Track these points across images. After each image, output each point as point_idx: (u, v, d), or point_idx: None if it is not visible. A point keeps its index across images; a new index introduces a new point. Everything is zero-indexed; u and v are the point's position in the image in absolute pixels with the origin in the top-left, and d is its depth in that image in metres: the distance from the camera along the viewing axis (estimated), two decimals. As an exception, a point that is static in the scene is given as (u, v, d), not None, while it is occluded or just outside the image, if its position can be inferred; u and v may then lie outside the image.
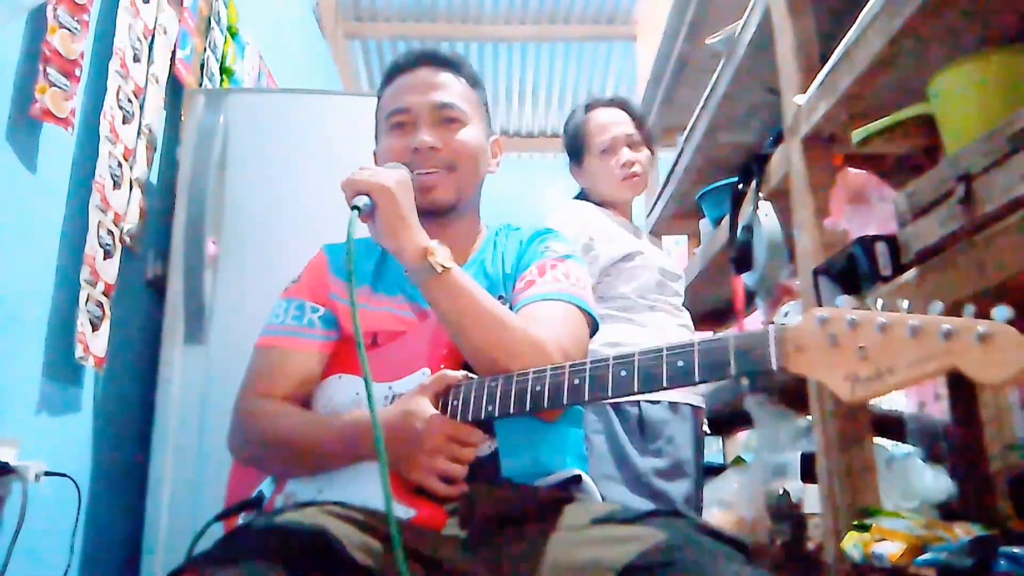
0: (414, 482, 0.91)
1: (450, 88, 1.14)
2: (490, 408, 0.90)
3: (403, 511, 0.89)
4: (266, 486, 1.05)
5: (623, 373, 0.84)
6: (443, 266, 0.94)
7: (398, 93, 1.14)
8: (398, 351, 1.04)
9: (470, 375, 0.96)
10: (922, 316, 0.70)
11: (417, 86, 1.13)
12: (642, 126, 1.92)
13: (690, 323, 1.93)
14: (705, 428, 1.89)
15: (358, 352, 0.84)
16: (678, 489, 1.67)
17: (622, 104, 1.94)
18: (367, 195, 0.95)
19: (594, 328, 1.08)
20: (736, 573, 0.73)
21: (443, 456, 0.90)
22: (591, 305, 1.07)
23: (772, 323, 1.94)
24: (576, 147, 1.94)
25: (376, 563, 0.83)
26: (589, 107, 1.95)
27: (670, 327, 1.82)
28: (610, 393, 0.84)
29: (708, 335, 2.50)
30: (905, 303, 0.72)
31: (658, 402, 1.73)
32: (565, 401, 0.86)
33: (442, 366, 0.98)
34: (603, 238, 1.80)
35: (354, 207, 0.94)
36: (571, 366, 0.88)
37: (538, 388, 0.88)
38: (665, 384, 0.81)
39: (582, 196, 1.97)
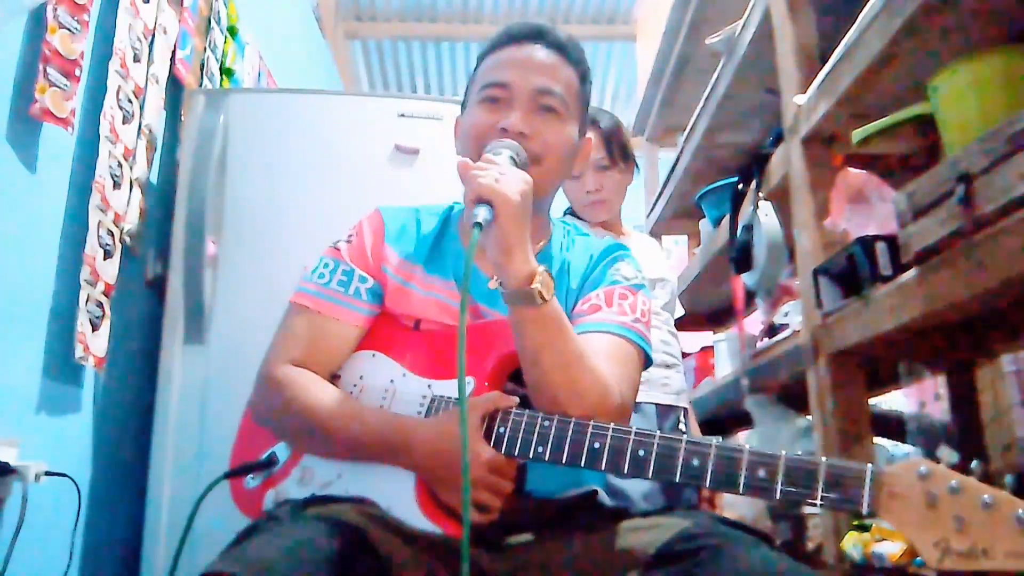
0: (448, 504, 0.89)
1: (557, 74, 1.04)
2: (540, 450, 0.86)
3: (430, 526, 0.88)
4: (280, 449, 1.01)
5: (695, 463, 0.79)
6: (543, 297, 0.87)
7: (500, 65, 1.04)
8: (443, 347, 0.99)
9: (517, 390, 0.92)
10: None
11: (523, 63, 1.03)
12: (613, 146, 1.90)
13: (669, 324, 1.96)
14: (682, 426, 1.89)
15: (458, 390, 0.78)
16: (635, 487, 1.68)
17: (592, 124, 1.90)
18: (489, 203, 0.86)
19: (647, 366, 1.03)
20: (763, 557, 0.73)
21: (484, 487, 0.87)
22: (650, 344, 1.03)
23: (772, 325, 1.94)
24: None
25: (411, 570, 0.83)
26: None
27: None
28: (677, 479, 0.79)
29: (712, 341, 2.51)
30: (1009, 478, 0.70)
31: None
32: (625, 471, 0.82)
33: (486, 383, 0.94)
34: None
35: (476, 224, 0.85)
36: (636, 434, 0.82)
37: (596, 446, 0.83)
38: (740, 491, 0.77)
39: (571, 210, 2.00)
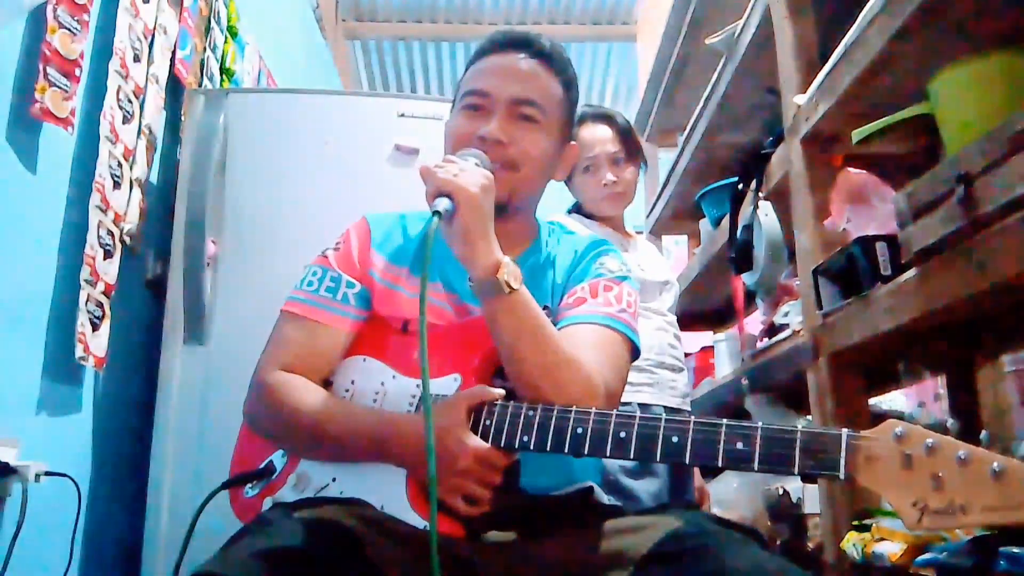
0: (438, 498, 0.89)
1: (537, 83, 1.06)
2: (525, 439, 0.87)
3: (422, 523, 0.88)
4: (277, 458, 1.02)
5: (675, 440, 0.80)
6: (511, 286, 0.89)
7: (482, 73, 1.07)
8: (430, 346, 1.00)
9: (505, 385, 0.93)
10: (1008, 460, 0.66)
11: (504, 72, 1.06)
12: (628, 140, 1.94)
13: (675, 327, 1.97)
14: None
15: (421, 374, 0.80)
16: (645, 487, 1.69)
17: (609, 119, 1.96)
18: (448, 196, 0.89)
19: (635, 356, 1.05)
20: (753, 556, 0.73)
21: (471, 479, 0.87)
22: (637, 334, 1.04)
23: (773, 325, 1.94)
24: None
25: (397, 569, 0.83)
26: (579, 121, 1.93)
27: (645, 329, 1.84)
28: (658, 458, 0.80)
29: (712, 340, 2.51)
30: (984, 434, 0.70)
31: (628, 403, 1.77)
32: (608, 453, 0.83)
33: (473, 379, 0.95)
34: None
35: (435, 212, 0.87)
36: (617, 417, 0.83)
37: (579, 431, 0.84)
38: (720, 464, 0.77)
39: (576, 207, 2.03)
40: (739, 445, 0.76)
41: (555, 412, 0.86)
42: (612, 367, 0.96)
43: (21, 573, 1.46)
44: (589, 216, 1.97)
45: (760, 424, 0.77)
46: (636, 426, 0.82)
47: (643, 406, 1.79)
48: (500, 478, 0.89)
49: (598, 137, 1.93)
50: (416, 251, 1.09)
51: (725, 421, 0.79)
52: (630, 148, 1.94)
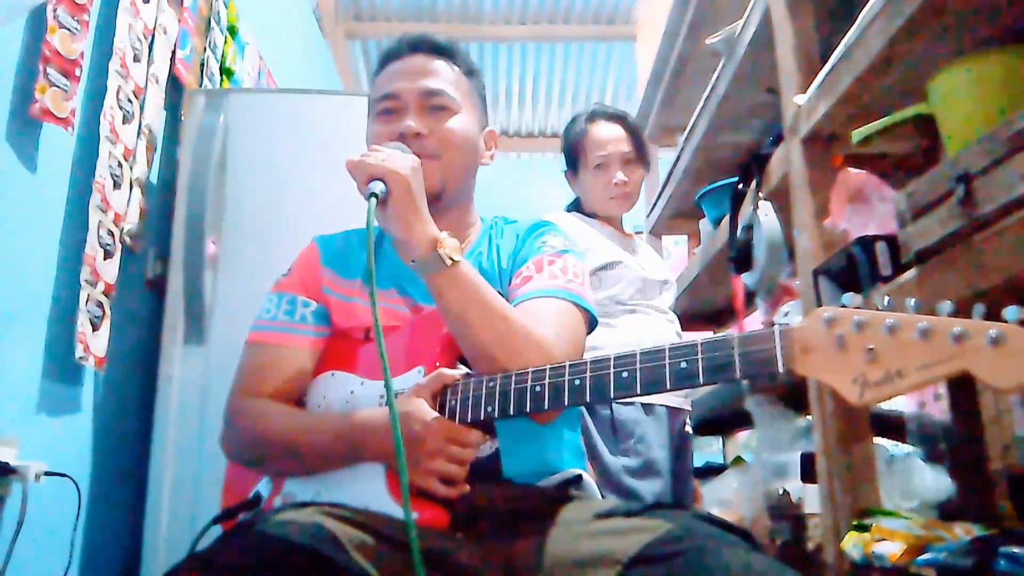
0: (414, 484, 0.90)
1: (441, 75, 1.11)
2: (489, 408, 0.88)
3: (401, 513, 0.88)
4: (263, 487, 1.04)
5: (624, 375, 0.82)
6: (452, 259, 0.91)
7: (388, 79, 1.12)
8: (392, 347, 1.00)
9: (468, 373, 0.94)
10: (932, 318, 0.68)
11: (407, 72, 1.11)
12: (640, 143, 1.95)
13: (676, 324, 1.97)
14: (688, 429, 1.91)
15: (379, 355, 0.82)
16: (648, 487, 1.71)
17: (622, 120, 1.97)
18: (380, 180, 0.91)
19: (592, 324, 1.06)
20: (743, 560, 0.73)
21: (442, 458, 0.88)
22: (589, 301, 1.06)
23: (774, 323, 1.94)
24: (573, 157, 1.98)
25: (377, 566, 0.83)
26: (591, 118, 1.97)
27: (648, 329, 1.85)
28: (611, 394, 0.83)
29: (708, 335, 2.51)
30: (912, 301, 0.70)
31: (632, 403, 1.77)
32: (566, 402, 0.85)
33: (437, 364, 0.96)
34: (582, 247, 1.86)
35: (372, 195, 0.90)
36: (571, 366, 0.86)
37: (538, 388, 0.86)
38: (669, 387, 0.79)
39: (575, 205, 2.02)
40: (683, 364, 0.78)
41: (513, 377, 0.88)
42: (566, 334, 0.98)
43: (21, 573, 1.46)
44: (591, 215, 1.97)
45: (699, 340, 0.79)
46: (588, 370, 0.84)
47: (645, 406, 1.80)
48: (472, 453, 0.90)
49: (611, 136, 1.93)
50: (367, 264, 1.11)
51: (668, 344, 0.81)
52: (640, 149, 1.95)
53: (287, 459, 0.99)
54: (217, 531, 1.01)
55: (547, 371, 0.87)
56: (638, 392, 0.81)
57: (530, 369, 0.88)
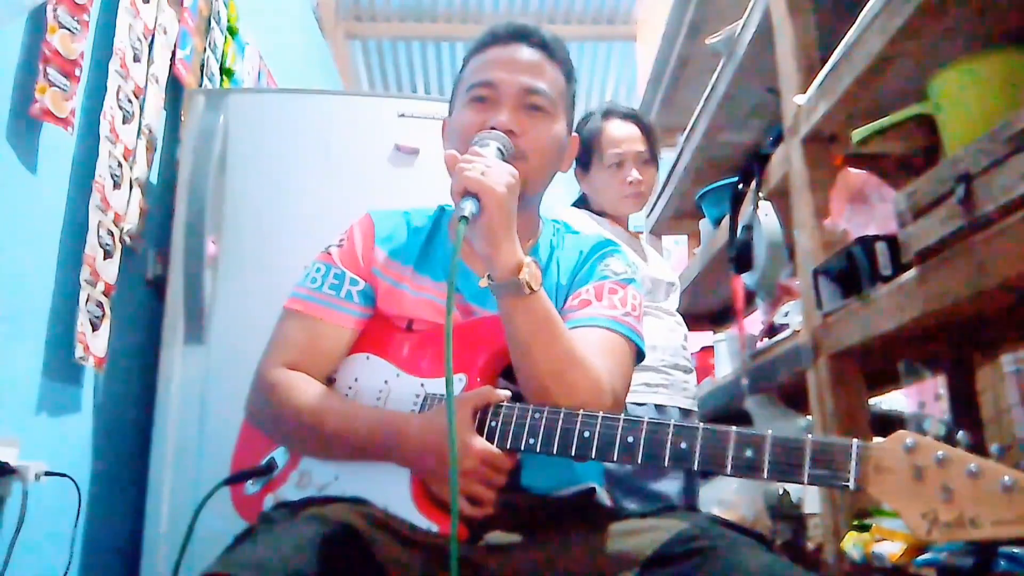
0: (440, 498, 0.89)
1: (544, 73, 1.05)
2: (531, 442, 0.86)
3: (426, 523, 0.88)
4: (279, 455, 1.02)
5: (683, 446, 0.79)
6: (531, 287, 0.88)
7: (486, 65, 1.06)
8: (435, 346, 0.99)
9: (511, 387, 0.93)
10: (1019, 473, 0.66)
11: (509, 62, 1.05)
12: (653, 142, 1.93)
13: (683, 327, 1.97)
14: None
15: (446, 376, 0.78)
16: (666, 487, 1.70)
17: (637, 119, 1.94)
18: (475, 196, 0.86)
19: (639, 360, 1.04)
20: (760, 560, 0.73)
21: (476, 479, 0.87)
22: (642, 338, 1.03)
23: (772, 325, 1.94)
24: (586, 154, 1.94)
25: (401, 571, 0.83)
26: (606, 115, 1.94)
27: (656, 331, 1.85)
28: (665, 463, 0.80)
29: (712, 340, 2.51)
30: (995, 447, 0.69)
31: (644, 404, 1.77)
32: (616, 458, 0.82)
33: (479, 379, 0.95)
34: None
35: (463, 218, 0.85)
36: (624, 420, 0.83)
37: (586, 435, 0.84)
38: (728, 472, 0.77)
39: (580, 201, 1.99)
40: (748, 453, 0.76)
41: (561, 415, 0.86)
42: (619, 371, 0.96)
43: (21, 573, 1.46)
44: (599, 213, 1.94)
45: (769, 432, 0.77)
46: (644, 431, 0.81)
47: (659, 407, 1.79)
48: (504, 480, 0.89)
49: (627, 135, 1.90)
50: (422, 248, 1.08)
51: (734, 429, 0.78)
52: (654, 150, 1.93)
53: (317, 443, 0.97)
54: (225, 493, 1.01)
55: (599, 419, 0.84)
56: (694, 468, 0.79)
57: (581, 412, 0.85)
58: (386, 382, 1.00)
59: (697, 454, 0.78)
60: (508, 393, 0.92)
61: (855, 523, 1.32)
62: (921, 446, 0.71)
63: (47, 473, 1.51)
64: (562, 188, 2.13)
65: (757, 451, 0.76)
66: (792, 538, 1.79)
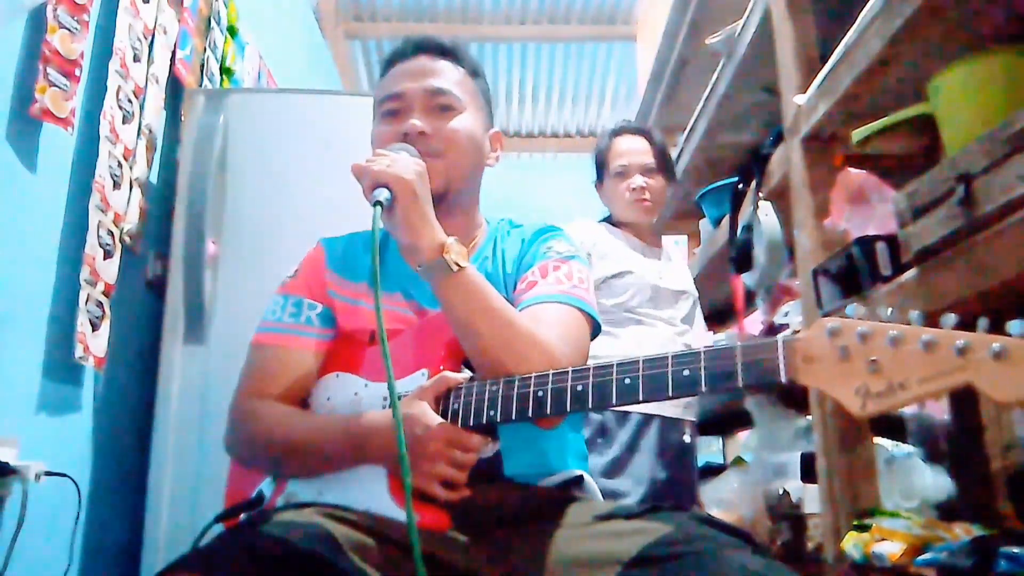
0: (415, 487, 0.89)
1: (446, 75, 1.11)
2: (492, 413, 0.88)
3: (403, 516, 0.88)
4: (266, 486, 1.04)
5: (627, 381, 0.82)
6: (458, 264, 0.91)
7: (393, 80, 1.11)
8: (396, 350, 1.01)
9: (471, 376, 0.94)
10: (935, 330, 0.68)
11: (412, 73, 1.10)
12: (662, 154, 2.03)
13: (686, 336, 1.98)
14: (687, 439, 1.91)
15: (383, 357, 0.82)
16: (620, 485, 1.74)
17: (646, 134, 2.06)
18: (386, 187, 0.91)
19: (596, 330, 1.06)
20: (742, 562, 0.73)
21: (444, 462, 0.88)
22: (593, 307, 1.05)
23: (772, 325, 1.95)
24: (599, 168, 2.08)
25: (378, 568, 0.83)
26: (615, 132, 2.08)
27: (650, 340, 1.86)
28: (614, 401, 0.82)
29: (713, 341, 2.52)
30: (915, 313, 0.70)
31: (629, 413, 1.81)
32: (568, 408, 0.84)
33: (441, 367, 0.96)
34: (598, 253, 1.93)
35: (376, 203, 0.90)
36: (574, 372, 0.86)
37: (540, 394, 0.86)
38: (671, 393, 0.79)
39: (608, 217, 2.09)
40: (685, 372, 0.78)
41: (516, 381, 0.88)
42: (571, 340, 0.97)
43: (21, 573, 1.46)
44: (617, 224, 2.03)
45: (702, 348, 0.79)
46: (591, 377, 0.84)
47: (645, 415, 1.81)
48: (474, 458, 0.90)
49: (632, 147, 2.02)
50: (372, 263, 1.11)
51: (671, 352, 0.81)
52: (662, 161, 2.02)
53: (291, 460, 1.00)
54: (218, 530, 1.02)
55: (550, 376, 0.87)
56: (640, 399, 0.81)
57: (533, 374, 0.88)
58: (356, 394, 1.02)
59: (641, 385, 0.81)
60: (466, 375, 0.94)
61: (855, 523, 1.32)
62: (843, 327, 0.72)
63: (47, 473, 1.51)
64: (563, 192, 2.16)
65: (693, 367, 0.78)
66: (792, 538, 1.79)
